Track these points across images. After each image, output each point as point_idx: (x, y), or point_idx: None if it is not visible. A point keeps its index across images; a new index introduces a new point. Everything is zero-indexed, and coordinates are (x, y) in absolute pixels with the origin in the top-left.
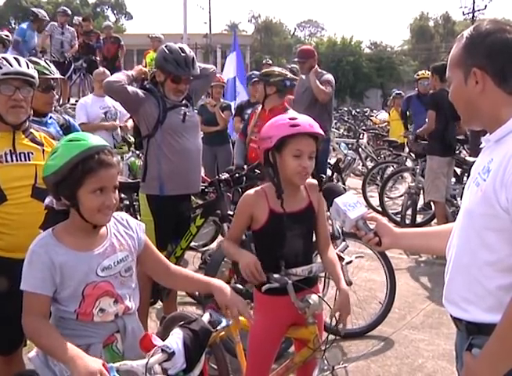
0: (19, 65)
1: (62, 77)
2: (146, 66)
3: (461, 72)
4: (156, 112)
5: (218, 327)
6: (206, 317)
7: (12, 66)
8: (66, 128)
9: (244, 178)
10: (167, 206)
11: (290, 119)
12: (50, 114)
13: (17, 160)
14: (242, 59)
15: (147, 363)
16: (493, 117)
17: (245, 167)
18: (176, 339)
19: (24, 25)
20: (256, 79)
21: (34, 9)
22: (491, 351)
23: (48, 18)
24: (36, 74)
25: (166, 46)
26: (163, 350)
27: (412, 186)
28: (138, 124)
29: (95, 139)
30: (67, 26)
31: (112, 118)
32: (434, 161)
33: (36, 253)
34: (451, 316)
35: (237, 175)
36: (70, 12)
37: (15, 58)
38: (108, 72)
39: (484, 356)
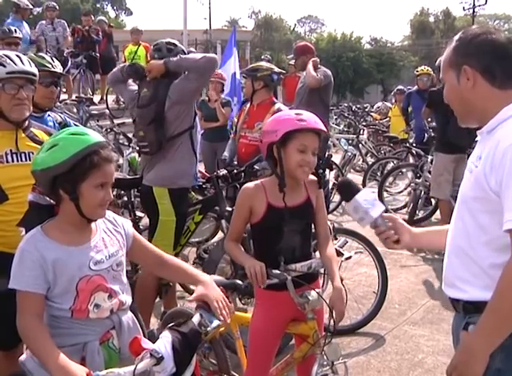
0: (23, 63)
1: (62, 72)
2: (124, 61)
3: (453, 72)
4: None
5: (209, 328)
6: (196, 318)
7: (16, 64)
8: (63, 127)
9: (242, 174)
10: (185, 199)
11: (296, 114)
12: (48, 112)
13: (18, 161)
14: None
15: (135, 369)
16: (484, 110)
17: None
18: (165, 343)
19: (9, 19)
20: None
21: (14, 0)
22: (485, 324)
23: (31, 6)
24: (37, 72)
25: None
26: (151, 355)
27: (418, 182)
28: (183, 114)
29: (96, 134)
30: (57, 19)
31: None
32: (437, 158)
33: (26, 251)
34: (449, 298)
35: (235, 171)
36: (57, 6)
37: (17, 56)
38: None
39: (479, 329)
